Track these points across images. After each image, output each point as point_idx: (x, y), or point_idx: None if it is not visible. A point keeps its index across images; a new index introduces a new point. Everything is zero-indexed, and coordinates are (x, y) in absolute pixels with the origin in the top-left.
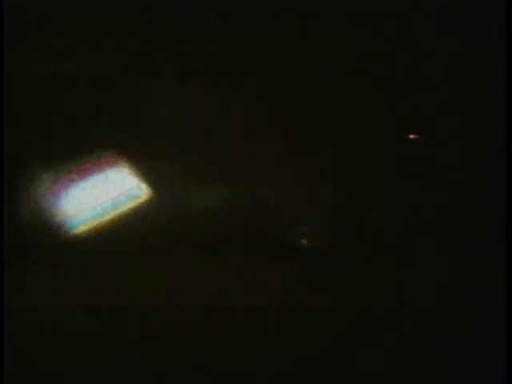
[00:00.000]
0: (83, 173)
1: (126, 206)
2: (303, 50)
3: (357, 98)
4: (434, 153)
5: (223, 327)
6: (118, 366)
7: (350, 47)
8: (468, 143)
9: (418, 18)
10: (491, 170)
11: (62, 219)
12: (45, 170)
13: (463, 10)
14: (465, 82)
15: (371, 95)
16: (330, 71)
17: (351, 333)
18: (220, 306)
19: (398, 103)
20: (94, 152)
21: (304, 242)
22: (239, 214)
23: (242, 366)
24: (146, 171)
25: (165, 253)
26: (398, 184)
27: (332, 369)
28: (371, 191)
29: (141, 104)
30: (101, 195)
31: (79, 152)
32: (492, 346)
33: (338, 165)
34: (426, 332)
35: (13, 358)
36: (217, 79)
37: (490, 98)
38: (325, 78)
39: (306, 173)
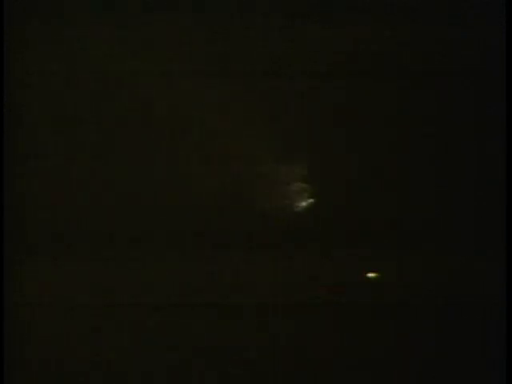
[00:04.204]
0: None
1: None
2: None
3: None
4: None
5: None
6: None
7: None
8: (467, 143)
9: (416, 18)
10: (491, 170)
11: None
12: None
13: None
14: (464, 82)
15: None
16: None
17: None
18: None
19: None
20: None
21: None
22: None
23: None
24: None
25: None
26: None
27: None
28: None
29: None
30: None
31: None
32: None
33: None
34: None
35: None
36: None
37: (489, 98)
38: None
39: None
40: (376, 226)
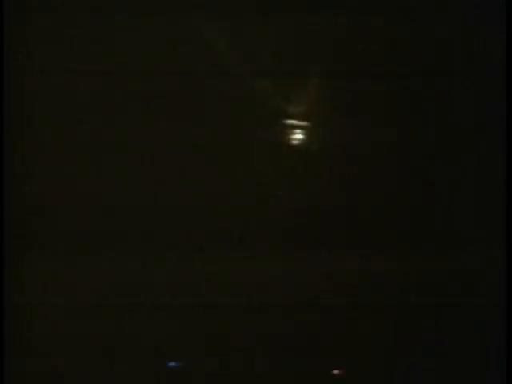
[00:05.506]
0: None
1: None
2: None
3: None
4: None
5: None
6: None
7: None
8: (467, 143)
9: (416, 17)
10: (491, 170)
11: None
12: None
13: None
14: (464, 82)
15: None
16: None
17: None
18: None
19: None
20: None
21: None
22: None
23: None
24: None
25: None
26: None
27: None
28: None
29: None
30: None
31: None
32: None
33: None
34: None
35: None
36: None
37: (489, 98)
38: None
39: None
40: (376, 226)
